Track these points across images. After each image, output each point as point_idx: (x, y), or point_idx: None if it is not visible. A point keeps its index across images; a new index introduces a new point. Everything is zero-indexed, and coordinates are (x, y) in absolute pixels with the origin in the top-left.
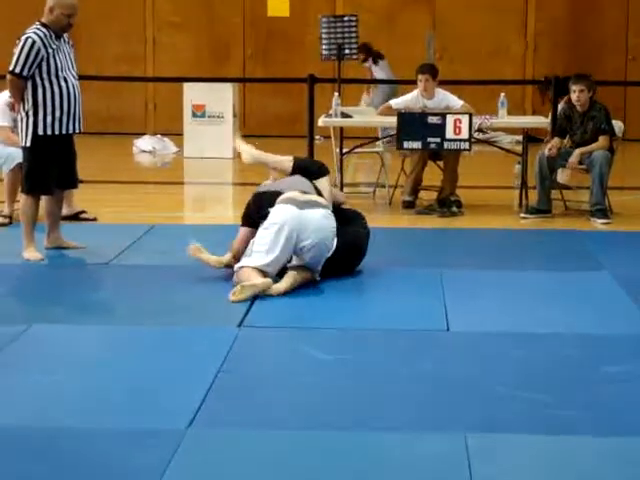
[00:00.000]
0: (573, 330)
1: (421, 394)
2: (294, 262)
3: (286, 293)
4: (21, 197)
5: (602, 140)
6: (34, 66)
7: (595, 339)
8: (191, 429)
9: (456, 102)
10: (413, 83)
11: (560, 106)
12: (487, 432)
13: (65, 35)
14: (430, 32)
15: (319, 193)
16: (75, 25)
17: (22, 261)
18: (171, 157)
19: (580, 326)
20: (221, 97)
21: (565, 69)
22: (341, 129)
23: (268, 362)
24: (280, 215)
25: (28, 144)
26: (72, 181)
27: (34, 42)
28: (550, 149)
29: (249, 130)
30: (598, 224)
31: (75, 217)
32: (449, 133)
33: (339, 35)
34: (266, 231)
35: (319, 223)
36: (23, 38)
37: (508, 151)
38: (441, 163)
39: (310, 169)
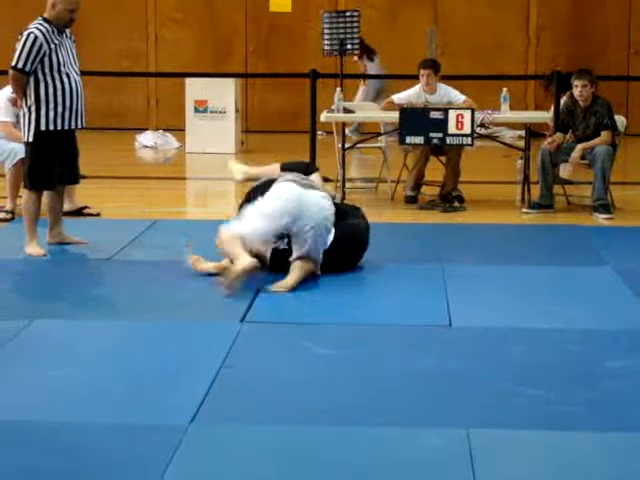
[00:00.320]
0: (575, 325)
1: (423, 389)
2: (295, 253)
3: (295, 287)
4: (23, 192)
5: (604, 135)
6: (36, 61)
7: (597, 334)
8: (193, 424)
9: (458, 97)
10: (415, 78)
11: (562, 101)
12: (489, 427)
13: (67, 30)
14: (432, 27)
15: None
16: (77, 21)
17: (24, 256)
18: (173, 152)
19: (582, 321)
20: (223, 92)
21: (567, 64)
22: (343, 124)
23: (270, 357)
24: (282, 189)
25: (30, 139)
26: (74, 176)
27: (36, 37)
28: (550, 143)
29: (251, 125)
30: (600, 219)
31: (78, 212)
32: (451, 128)
33: (341, 30)
34: (263, 200)
35: (319, 202)
36: (25, 33)
37: (510, 146)
38: (443, 158)
39: (298, 170)
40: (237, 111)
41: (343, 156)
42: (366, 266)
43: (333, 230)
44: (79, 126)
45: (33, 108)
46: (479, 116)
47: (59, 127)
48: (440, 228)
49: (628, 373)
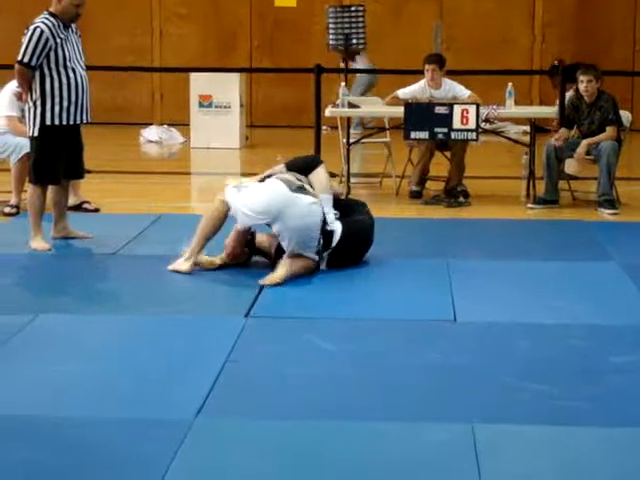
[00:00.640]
0: (580, 320)
1: (427, 384)
2: (287, 251)
3: (283, 282)
4: (28, 187)
5: (609, 130)
6: (42, 56)
7: (602, 329)
8: (198, 419)
9: (463, 92)
10: (420, 73)
11: (568, 95)
12: (494, 422)
13: (73, 25)
14: (437, 22)
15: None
16: (82, 15)
17: (29, 251)
18: (178, 147)
19: (587, 316)
20: (228, 87)
21: (573, 59)
22: (348, 119)
23: (275, 352)
24: (270, 189)
25: (36, 134)
26: (79, 171)
27: (42, 32)
28: (557, 139)
29: (256, 120)
30: (605, 214)
31: (78, 207)
32: (456, 123)
33: (346, 25)
34: (251, 191)
35: (305, 209)
36: (31, 28)
37: (515, 141)
38: (448, 153)
39: (303, 166)
40: (242, 106)
41: (348, 151)
42: (371, 261)
43: (340, 227)
44: (84, 121)
45: (39, 102)
46: (484, 111)
47: (64, 122)
48: (445, 223)
49: (633, 368)
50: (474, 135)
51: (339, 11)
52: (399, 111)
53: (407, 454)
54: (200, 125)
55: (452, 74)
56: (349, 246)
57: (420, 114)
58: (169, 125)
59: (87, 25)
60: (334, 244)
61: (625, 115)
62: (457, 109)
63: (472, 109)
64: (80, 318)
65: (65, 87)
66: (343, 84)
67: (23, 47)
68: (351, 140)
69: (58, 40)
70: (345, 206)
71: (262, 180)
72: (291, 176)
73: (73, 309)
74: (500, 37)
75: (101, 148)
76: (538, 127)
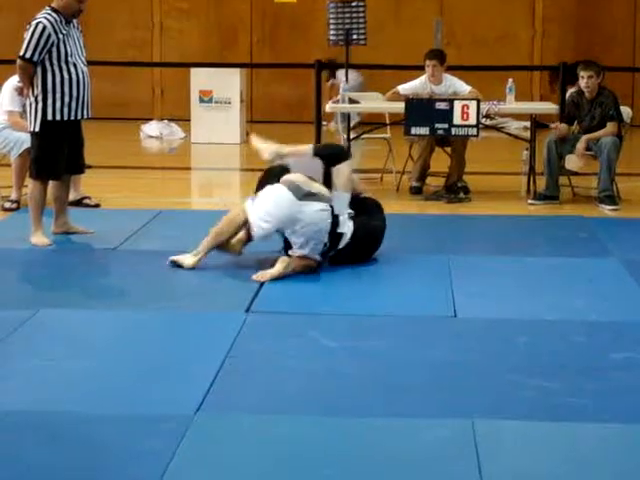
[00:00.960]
0: (581, 317)
1: (428, 380)
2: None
3: (278, 278)
4: (29, 182)
5: (610, 126)
6: (44, 51)
7: (603, 326)
8: (199, 414)
9: (464, 88)
10: (421, 69)
11: (568, 93)
12: (494, 418)
13: (75, 21)
14: (438, 18)
15: (328, 182)
16: (84, 11)
17: (30, 246)
18: (178, 142)
19: (588, 313)
20: (228, 82)
21: (573, 55)
22: (348, 115)
23: (275, 347)
24: (276, 200)
25: (37, 129)
26: (79, 166)
27: (45, 27)
28: (555, 127)
29: (256, 116)
30: (606, 210)
31: (78, 203)
32: (457, 119)
33: (347, 20)
34: (260, 201)
35: (311, 217)
36: (34, 23)
37: (516, 137)
38: (449, 149)
39: (330, 155)
40: (242, 101)
41: (348, 147)
42: (371, 257)
43: (351, 229)
44: (85, 116)
45: (40, 98)
46: (484, 107)
47: (65, 117)
48: (445, 219)
49: (633, 365)
50: (474, 131)
51: (340, 7)
52: (399, 107)
53: (407, 450)
54: (200, 120)
55: (453, 70)
56: (356, 248)
57: (420, 110)
58: (169, 120)
59: (88, 20)
60: (341, 246)
61: (625, 111)
62: (457, 105)
63: (473, 105)
64: (81, 313)
65: (67, 82)
66: (343, 79)
67: (25, 42)
68: (352, 136)
69: (60, 36)
70: (362, 204)
71: (278, 173)
72: (302, 177)
73: (74, 304)
74: (501, 33)
75: (101, 143)
76: (539, 123)
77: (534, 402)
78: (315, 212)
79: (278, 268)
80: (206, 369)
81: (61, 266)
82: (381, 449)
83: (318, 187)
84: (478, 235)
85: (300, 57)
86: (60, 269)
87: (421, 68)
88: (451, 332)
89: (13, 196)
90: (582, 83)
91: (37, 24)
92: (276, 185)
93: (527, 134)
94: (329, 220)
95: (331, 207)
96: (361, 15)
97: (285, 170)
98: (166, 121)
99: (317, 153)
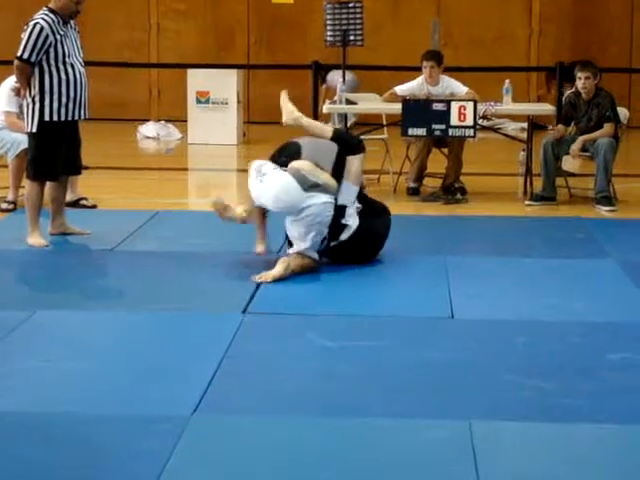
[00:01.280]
0: (577, 317)
1: (425, 381)
2: (290, 251)
3: (280, 279)
4: (26, 183)
5: (607, 127)
6: (42, 52)
7: (599, 326)
8: (196, 415)
9: (461, 89)
10: (418, 70)
11: (565, 94)
12: (491, 419)
13: (72, 21)
14: (435, 18)
15: (339, 171)
16: (81, 12)
17: (26, 247)
18: (175, 143)
19: (584, 313)
20: (225, 83)
21: (570, 56)
22: (345, 115)
23: (272, 348)
24: (281, 188)
25: (34, 130)
26: (76, 167)
27: (42, 28)
28: (552, 128)
29: (253, 116)
30: (603, 211)
31: (75, 204)
32: (454, 120)
33: (344, 21)
34: (263, 187)
35: (314, 209)
36: (31, 24)
37: (513, 138)
38: (446, 150)
39: (348, 143)
40: (239, 102)
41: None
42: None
43: (356, 223)
44: (82, 117)
45: (37, 98)
46: (481, 108)
47: (63, 118)
48: (442, 220)
49: (630, 365)
50: (472, 132)
51: (337, 7)
52: (397, 108)
53: (405, 451)
54: (197, 121)
55: (450, 71)
56: (358, 245)
57: (418, 111)
58: (166, 121)
59: (85, 21)
60: (344, 238)
61: (622, 112)
62: (455, 106)
63: (470, 106)
64: (78, 314)
65: (64, 83)
66: (341, 80)
67: (23, 43)
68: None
69: (58, 36)
70: (370, 206)
71: (288, 155)
72: (309, 165)
73: (71, 305)
74: (498, 33)
75: (98, 144)
76: (536, 124)
77: (531, 403)
78: (319, 205)
79: (278, 269)
80: (203, 370)
81: (58, 267)
82: (379, 450)
83: (324, 177)
84: (475, 236)
85: (297, 58)
86: (57, 270)
87: (418, 69)
88: (448, 333)
89: (10, 197)
90: (579, 84)
91: (34, 25)
92: (283, 173)
93: (524, 135)
94: (331, 213)
95: (335, 199)
96: (358, 16)
97: (298, 150)
98: (163, 122)
99: (338, 137)
